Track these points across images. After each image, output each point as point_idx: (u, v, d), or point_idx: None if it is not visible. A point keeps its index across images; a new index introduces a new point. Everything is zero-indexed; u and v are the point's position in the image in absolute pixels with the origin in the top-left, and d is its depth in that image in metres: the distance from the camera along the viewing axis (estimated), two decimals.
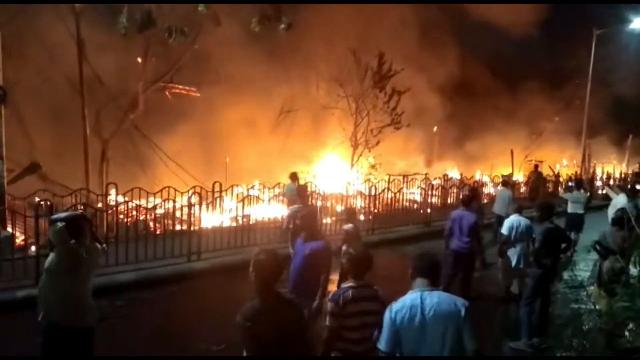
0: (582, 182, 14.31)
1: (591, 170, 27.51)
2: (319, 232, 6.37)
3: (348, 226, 7.80)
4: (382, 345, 3.26)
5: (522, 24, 25.29)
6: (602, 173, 28.04)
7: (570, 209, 11.60)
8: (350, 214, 8.35)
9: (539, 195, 16.99)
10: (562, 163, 29.83)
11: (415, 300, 3.24)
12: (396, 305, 3.27)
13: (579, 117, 25.63)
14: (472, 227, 7.59)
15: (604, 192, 12.77)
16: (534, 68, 29.21)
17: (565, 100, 31.01)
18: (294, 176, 12.09)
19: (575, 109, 28.39)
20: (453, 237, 7.73)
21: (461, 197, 10.86)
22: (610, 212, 10.19)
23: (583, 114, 24.86)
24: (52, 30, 13.39)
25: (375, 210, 13.66)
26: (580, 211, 11.42)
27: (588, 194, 11.89)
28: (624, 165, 31.45)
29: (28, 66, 13.17)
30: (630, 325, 5.22)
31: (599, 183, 24.85)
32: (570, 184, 15.03)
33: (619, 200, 10.56)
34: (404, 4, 21.00)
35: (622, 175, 27.70)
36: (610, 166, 30.15)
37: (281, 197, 12.54)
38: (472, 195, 9.00)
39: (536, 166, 20.21)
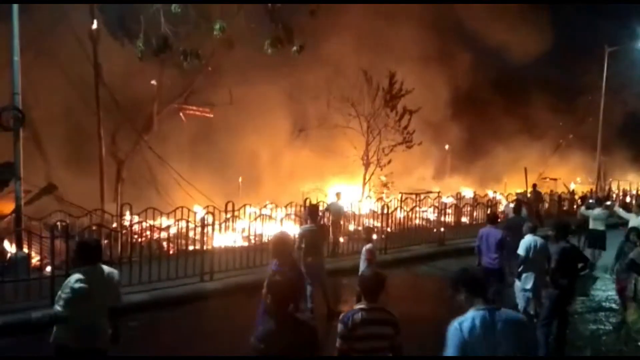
0: (602, 199, 14.31)
1: (607, 187, 27.14)
2: (292, 259, 5.70)
3: (369, 246, 7.80)
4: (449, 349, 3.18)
5: (535, 41, 25.35)
6: (618, 190, 27.63)
7: (591, 225, 11.50)
8: (369, 233, 8.34)
9: (539, 215, 16.63)
10: (576, 180, 29.50)
11: (485, 315, 3.20)
12: (464, 322, 3.20)
13: (594, 134, 25.42)
14: (499, 244, 7.91)
15: (615, 210, 12.42)
16: (548, 86, 29.16)
17: (579, 118, 30.84)
18: (338, 195, 13.50)
19: (589, 126, 28.19)
20: (482, 254, 8.11)
21: (488, 214, 10.92)
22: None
23: (597, 131, 24.67)
24: (69, 53, 13.75)
25: (388, 229, 13.59)
26: (602, 228, 11.33)
27: (608, 211, 11.74)
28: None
29: (46, 89, 13.50)
30: None
31: (607, 202, 24.48)
32: (591, 200, 14.73)
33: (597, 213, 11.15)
34: (413, 3, 21.14)
35: (638, 192, 27.27)
36: (627, 183, 29.72)
37: (292, 217, 12.56)
38: (495, 213, 9.19)
39: (534, 185, 19.42)
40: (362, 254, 8.05)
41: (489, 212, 11.54)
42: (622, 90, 27.32)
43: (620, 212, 11.64)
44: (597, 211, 11.67)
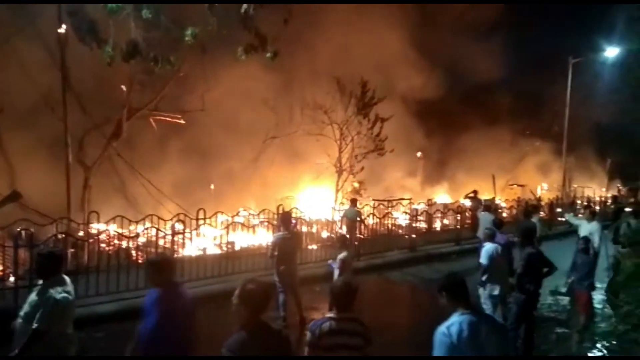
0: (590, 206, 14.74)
1: (572, 194, 27.98)
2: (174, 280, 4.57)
3: (342, 254, 7.77)
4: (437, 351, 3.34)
5: (503, 52, 26.06)
6: (582, 197, 28.54)
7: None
8: (343, 241, 8.30)
9: (476, 224, 16.15)
10: (542, 187, 30.33)
11: (467, 320, 3.36)
12: (448, 324, 3.39)
13: (559, 142, 26.22)
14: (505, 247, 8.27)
15: (565, 219, 12.45)
16: (516, 96, 30.00)
17: (545, 126, 31.80)
18: (354, 201, 14.03)
19: (555, 134, 29.07)
20: None
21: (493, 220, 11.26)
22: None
23: (562, 139, 25.46)
24: (35, 57, 13.38)
25: (361, 236, 13.66)
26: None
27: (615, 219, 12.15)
28: (603, 189, 32.07)
29: (11, 94, 13.09)
30: None
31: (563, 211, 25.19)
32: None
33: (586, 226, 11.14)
34: (394, 3, 21.43)
35: (602, 199, 28.22)
36: (591, 190, 30.73)
37: (264, 224, 12.48)
38: (501, 219, 9.94)
39: (475, 192, 18.78)
40: (336, 262, 8.01)
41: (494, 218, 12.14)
42: (586, 100, 28.25)
43: (571, 218, 11.64)
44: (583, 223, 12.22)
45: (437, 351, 3.33)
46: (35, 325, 4.09)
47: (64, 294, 4.23)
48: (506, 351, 3.46)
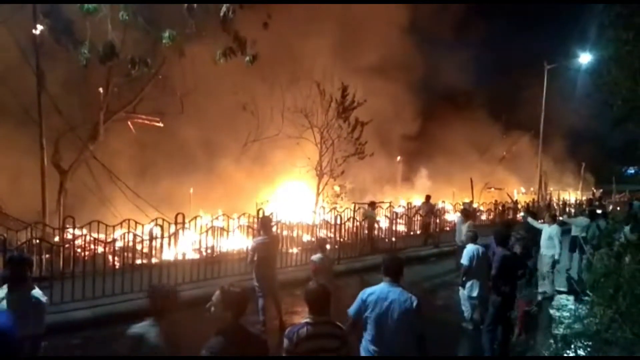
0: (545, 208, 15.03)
1: (548, 197, 28.54)
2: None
3: (316, 257, 7.69)
4: (351, 311, 4.34)
5: (481, 57, 26.50)
6: (558, 200, 29.15)
7: (573, 232, 12.69)
8: (321, 244, 8.24)
9: (427, 230, 16.47)
10: (520, 190, 30.87)
11: (383, 290, 4.28)
12: (369, 289, 4.34)
13: (535, 145, 26.74)
14: None
15: (526, 219, 12.40)
16: (493, 100, 30.55)
17: (522, 131, 32.41)
18: (373, 204, 15.02)
19: (531, 138, 29.65)
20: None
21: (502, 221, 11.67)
22: (574, 230, 12.48)
23: (538, 143, 25.97)
24: (9, 59, 13.10)
25: (341, 240, 13.70)
26: (583, 234, 12.17)
27: (588, 220, 12.46)
28: (578, 192, 32.80)
29: None
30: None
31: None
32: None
33: (580, 221, 12.50)
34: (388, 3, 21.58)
35: (577, 202, 28.85)
36: (566, 193, 31.41)
37: (244, 228, 12.42)
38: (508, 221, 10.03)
39: (427, 197, 17.99)
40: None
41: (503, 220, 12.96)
42: (561, 105, 28.89)
43: (533, 222, 11.71)
44: (581, 220, 12.77)
45: (354, 304, 4.34)
46: (35, 331, 4.03)
47: (46, 298, 4.20)
48: (411, 324, 4.19)
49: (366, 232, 14.96)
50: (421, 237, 16.88)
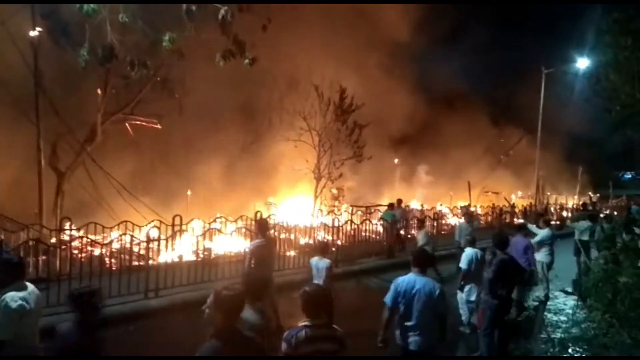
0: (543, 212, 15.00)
1: (545, 201, 28.59)
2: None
3: (315, 260, 7.63)
4: (387, 300, 5.08)
5: (480, 62, 26.55)
6: (555, 204, 29.20)
7: (576, 236, 12.58)
8: (322, 247, 8.10)
9: (399, 236, 15.46)
10: (517, 194, 30.93)
11: (412, 279, 5.14)
12: (400, 279, 5.18)
13: (533, 149, 26.79)
14: (525, 249, 9.10)
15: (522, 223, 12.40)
16: (491, 104, 30.64)
17: (519, 135, 32.50)
18: (399, 201, 15.48)
19: (529, 142, 29.71)
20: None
21: (517, 224, 11.99)
22: (577, 234, 12.36)
23: (536, 147, 26.02)
24: (8, 61, 13.07)
25: (339, 242, 13.68)
26: (586, 238, 12.14)
27: (592, 223, 12.48)
28: (575, 196, 32.87)
29: None
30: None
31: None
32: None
33: (582, 224, 12.44)
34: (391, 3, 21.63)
35: (575, 206, 28.91)
36: (563, 197, 31.47)
37: (242, 231, 12.39)
38: (524, 225, 10.70)
39: (399, 201, 17.02)
40: (320, 270, 7.68)
41: (519, 222, 13.33)
42: (559, 110, 28.97)
43: (531, 227, 11.55)
44: (582, 223, 12.66)
45: (389, 294, 5.10)
46: (1, 336, 3.94)
47: (20, 302, 4.04)
48: (435, 307, 5.02)
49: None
50: None
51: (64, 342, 3.61)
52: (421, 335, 5.02)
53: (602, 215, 13.64)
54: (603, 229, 11.38)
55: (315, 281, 7.51)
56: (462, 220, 13.35)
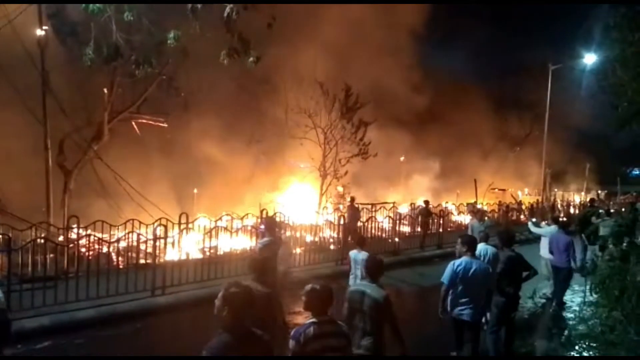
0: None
1: (552, 198, 28.43)
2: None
3: (363, 254, 7.98)
4: (445, 279, 6.10)
5: (485, 57, 26.42)
6: (562, 200, 29.02)
7: (601, 232, 12.22)
8: (359, 241, 8.61)
9: (356, 233, 13.80)
10: (524, 191, 30.77)
11: (468, 261, 6.13)
12: (457, 262, 6.14)
13: (540, 146, 26.65)
14: (567, 246, 9.32)
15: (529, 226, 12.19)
16: (498, 101, 30.44)
17: (526, 131, 32.32)
18: (427, 203, 16.42)
19: (535, 139, 29.55)
20: (554, 254, 9.53)
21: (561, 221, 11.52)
22: (602, 231, 11.54)
23: (543, 144, 25.88)
24: (15, 59, 13.15)
25: (345, 240, 13.66)
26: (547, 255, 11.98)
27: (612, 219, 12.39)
28: (582, 193, 32.66)
29: None
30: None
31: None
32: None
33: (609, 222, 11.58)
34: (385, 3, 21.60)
35: (581, 203, 28.73)
36: (570, 194, 31.28)
37: (249, 228, 12.42)
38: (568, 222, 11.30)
39: (352, 199, 15.93)
40: (358, 263, 7.95)
41: (561, 219, 13.50)
42: (567, 106, 28.76)
43: (532, 227, 11.59)
44: (609, 221, 12.56)
45: (445, 276, 6.11)
46: None
47: None
48: (487, 283, 6.19)
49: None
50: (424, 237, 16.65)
51: None
52: (473, 309, 6.05)
53: (602, 211, 13.49)
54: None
55: (354, 273, 8.04)
56: (472, 219, 13.22)
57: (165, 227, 10.54)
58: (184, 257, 11.39)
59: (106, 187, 15.56)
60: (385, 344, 4.63)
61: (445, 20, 26.48)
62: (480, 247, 8.13)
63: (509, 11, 30.77)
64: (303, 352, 3.62)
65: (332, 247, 13.91)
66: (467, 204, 20.74)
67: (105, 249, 10.15)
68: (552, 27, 32.12)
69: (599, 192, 33.15)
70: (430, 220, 16.53)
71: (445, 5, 26.36)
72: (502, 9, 29.40)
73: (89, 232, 10.72)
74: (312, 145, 17.53)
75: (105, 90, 14.73)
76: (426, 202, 17.40)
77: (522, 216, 20.84)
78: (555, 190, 30.83)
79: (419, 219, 16.57)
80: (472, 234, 12.15)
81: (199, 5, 8.18)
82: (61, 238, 10.67)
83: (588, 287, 8.68)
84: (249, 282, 3.63)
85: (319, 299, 3.80)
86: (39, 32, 12.20)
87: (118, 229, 10.95)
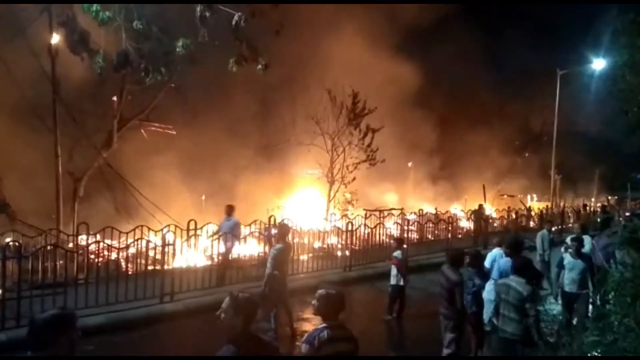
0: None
1: (561, 204, 28.21)
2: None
3: (397, 253, 9.24)
4: (558, 265, 7.84)
5: (493, 63, 26.36)
6: (572, 207, 28.76)
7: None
8: (399, 242, 9.76)
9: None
10: (533, 197, 30.57)
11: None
12: (494, 252, 7.83)
13: (548, 152, 26.48)
14: (607, 245, 8.99)
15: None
16: (506, 106, 30.33)
17: (534, 137, 32.14)
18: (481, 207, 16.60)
19: (544, 145, 29.36)
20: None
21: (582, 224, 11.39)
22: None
23: (551, 150, 25.71)
24: (26, 67, 13.33)
25: (353, 246, 13.65)
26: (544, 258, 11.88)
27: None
28: (592, 199, 32.38)
29: None
30: None
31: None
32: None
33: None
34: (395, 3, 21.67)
35: (592, 209, 28.46)
36: (580, 200, 31.01)
37: (257, 234, 12.43)
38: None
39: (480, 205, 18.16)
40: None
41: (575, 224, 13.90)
42: (576, 111, 28.59)
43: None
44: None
45: (558, 263, 8.05)
46: None
47: None
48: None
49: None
50: (432, 244, 16.59)
51: None
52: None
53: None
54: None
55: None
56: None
57: (174, 233, 10.58)
58: (192, 263, 11.42)
59: (115, 194, 15.69)
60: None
61: (452, 23, 26.47)
62: (494, 251, 8.12)
63: (517, 15, 30.69)
64: (318, 356, 3.64)
65: (339, 253, 13.88)
66: (473, 211, 20.58)
67: (114, 256, 10.20)
68: (560, 33, 31.95)
69: (609, 197, 32.86)
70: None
71: (453, 9, 26.37)
72: (508, 14, 29.33)
73: (98, 238, 10.78)
74: (319, 151, 17.56)
75: (115, 98, 14.88)
76: (480, 206, 18.63)
77: (531, 222, 20.67)
78: (570, 197, 30.48)
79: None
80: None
81: (207, 13, 8.27)
82: (71, 245, 10.74)
83: (597, 294, 8.58)
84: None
85: (333, 304, 3.81)
86: (50, 41, 12.36)
87: (127, 235, 11.00)
